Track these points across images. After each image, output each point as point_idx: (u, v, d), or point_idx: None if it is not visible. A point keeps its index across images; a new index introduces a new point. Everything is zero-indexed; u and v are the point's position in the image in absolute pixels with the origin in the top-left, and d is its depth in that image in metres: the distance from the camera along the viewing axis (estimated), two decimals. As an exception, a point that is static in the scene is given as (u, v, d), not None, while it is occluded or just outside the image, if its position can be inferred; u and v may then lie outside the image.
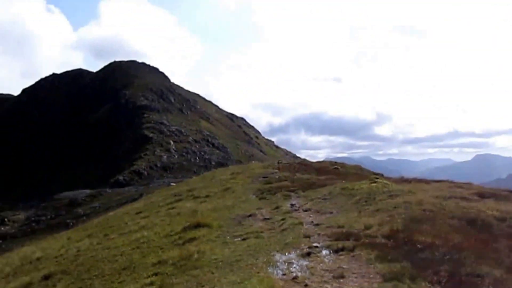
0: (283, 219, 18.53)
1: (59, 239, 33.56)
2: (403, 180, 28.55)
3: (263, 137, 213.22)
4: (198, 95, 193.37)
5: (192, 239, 16.51)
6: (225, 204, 26.19)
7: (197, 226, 18.55)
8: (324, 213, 19.56)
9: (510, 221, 15.99)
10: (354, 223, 16.29)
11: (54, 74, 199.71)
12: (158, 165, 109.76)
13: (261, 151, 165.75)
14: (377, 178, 26.49)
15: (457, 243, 12.72)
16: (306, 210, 20.88)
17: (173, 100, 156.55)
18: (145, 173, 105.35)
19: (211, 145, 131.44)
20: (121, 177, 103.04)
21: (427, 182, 27.72)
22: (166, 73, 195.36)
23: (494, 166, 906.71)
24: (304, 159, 74.07)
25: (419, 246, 12.44)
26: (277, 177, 40.80)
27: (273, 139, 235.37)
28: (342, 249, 13.00)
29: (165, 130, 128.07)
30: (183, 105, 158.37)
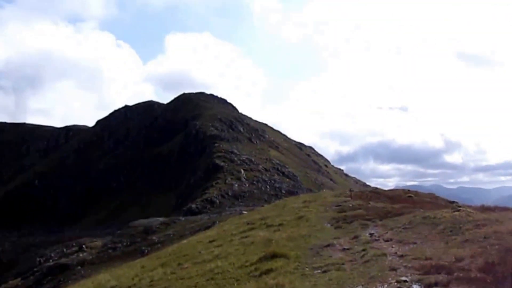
0: (364, 250, 17.25)
1: (133, 267, 33.10)
2: (485, 208, 26.80)
3: (332, 166, 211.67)
4: (266, 125, 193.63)
5: (269, 271, 15.50)
6: (300, 233, 25.02)
7: (273, 256, 17.49)
8: (407, 244, 18.19)
9: None
10: (442, 254, 14.95)
11: (126, 106, 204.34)
12: (230, 194, 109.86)
13: (331, 179, 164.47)
14: (460, 207, 24.90)
15: None
16: (387, 240, 19.48)
17: (242, 130, 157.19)
18: (217, 201, 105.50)
19: (281, 174, 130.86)
20: (193, 205, 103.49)
21: (512, 210, 26.02)
22: (234, 104, 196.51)
23: None
24: (376, 188, 72.28)
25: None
26: (350, 205, 39.46)
27: (342, 167, 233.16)
28: (436, 284, 11.74)
29: (235, 159, 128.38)
30: (252, 134, 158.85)
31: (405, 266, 14.04)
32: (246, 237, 28.89)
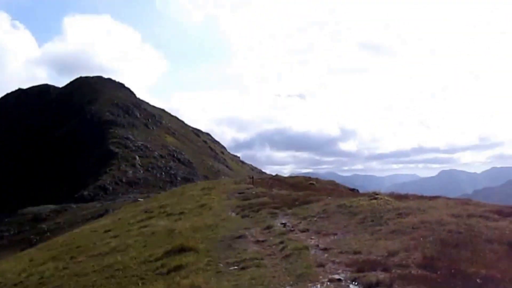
0: (281, 242, 15.38)
1: (20, 260, 30.29)
2: (401, 196, 25.51)
3: (229, 153, 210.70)
4: (163, 110, 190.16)
5: (178, 267, 13.35)
6: (205, 222, 22.99)
7: (181, 250, 15.35)
8: (327, 235, 16.51)
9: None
10: (371, 248, 13.37)
11: (20, 89, 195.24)
12: (124, 180, 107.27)
13: (227, 166, 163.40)
14: (377, 194, 23.52)
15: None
16: (303, 231, 17.76)
17: (138, 115, 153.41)
18: (111, 188, 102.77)
19: (177, 161, 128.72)
20: (86, 192, 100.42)
21: (430, 198, 24.90)
22: (132, 89, 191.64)
23: (459, 182, 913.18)
24: (276, 174, 71.28)
25: (478, 280, 9.61)
26: (254, 192, 37.89)
27: (238, 154, 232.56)
28: (377, 284, 10.01)
29: (130, 145, 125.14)
30: (148, 120, 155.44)
31: (333, 262, 12.35)
32: (145, 226, 26.68)
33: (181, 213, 30.29)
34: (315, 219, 20.32)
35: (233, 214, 26.64)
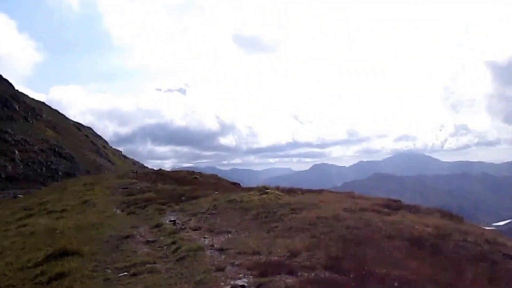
0: (173, 243, 13.89)
1: None
2: (290, 190, 24.69)
3: (111, 147, 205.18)
4: (43, 103, 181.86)
5: (61, 275, 11.49)
6: (89, 221, 21.10)
7: (64, 253, 13.45)
8: (220, 233, 15.27)
9: (449, 238, 12.93)
10: (271, 247, 12.27)
11: None
12: (3, 176, 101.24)
13: (109, 161, 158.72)
14: (267, 189, 22.47)
15: (430, 275, 9.32)
16: (195, 229, 16.37)
17: (17, 108, 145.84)
18: None
19: (58, 155, 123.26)
20: None
21: (316, 191, 24.27)
22: (10, 80, 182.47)
23: (329, 175, 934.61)
24: (160, 169, 69.45)
25: (395, 284, 8.75)
26: (138, 187, 36.21)
27: (120, 148, 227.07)
28: (286, 291, 8.91)
29: (9, 139, 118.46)
30: (28, 113, 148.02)
31: (232, 264, 11.10)
32: (24, 225, 24.36)
33: (63, 210, 28.17)
34: (205, 215, 19.03)
35: (118, 211, 24.95)
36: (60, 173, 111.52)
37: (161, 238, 15.16)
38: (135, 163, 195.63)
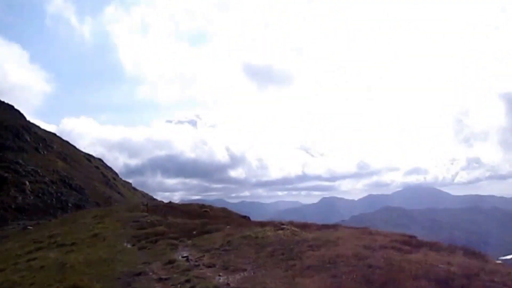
0: (188, 281, 13.49)
1: None
2: (304, 225, 24.25)
3: (121, 179, 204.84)
4: (54, 134, 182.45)
5: None
6: (99, 255, 20.73)
7: (74, 291, 13.19)
8: (235, 271, 14.76)
9: (476, 278, 12.47)
10: (289, 286, 11.85)
11: None
12: (13, 207, 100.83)
13: (119, 193, 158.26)
14: (283, 224, 22.05)
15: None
16: (209, 266, 15.85)
17: (28, 139, 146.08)
18: None
19: (68, 186, 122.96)
20: None
21: (331, 227, 23.84)
22: (21, 111, 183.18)
23: (338, 208, 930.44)
24: (170, 202, 69.20)
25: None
26: (149, 221, 35.79)
27: (130, 180, 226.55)
28: None
29: (20, 170, 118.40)
30: (39, 144, 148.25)
31: (248, 305, 10.74)
32: (33, 259, 24.00)
33: (73, 243, 27.81)
34: (219, 251, 18.49)
35: (129, 245, 24.56)
36: (70, 204, 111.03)
37: (175, 275, 14.69)
38: (144, 195, 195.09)
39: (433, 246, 17.39)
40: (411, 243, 17.87)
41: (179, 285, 13.31)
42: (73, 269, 18.06)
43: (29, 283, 17.07)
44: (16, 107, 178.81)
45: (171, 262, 17.12)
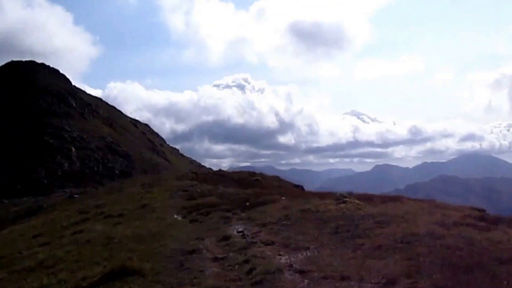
0: (246, 261, 12.48)
1: None
2: (365, 197, 23.03)
3: (168, 145, 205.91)
4: (100, 99, 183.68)
5: None
6: (148, 228, 20.03)
7: (123, 272, 12.26)
8: (297, 250, 13.75)
9: None
10: (360, 271, 10.76)
11: None
12: (59, 174, 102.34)
13: (166, 159, 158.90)
14: (345, 197, 20.82)
15: None
16: (267, 244, 14.84)
17: (74, 104, 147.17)
18: (45, 181, 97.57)
19: (114, 153, 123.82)
20: (18, 186, 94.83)
21: (393, 198, 22.61)
22: (67, 75, 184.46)
23: (392, 177, 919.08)
24: (220, 170, 68.63)
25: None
26: (198, 190, 35.15)
27: (177, 146, 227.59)
28: None
29: (66, 136, 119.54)
30: (85, 109, 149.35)
31: (321, 294, 9.71)
32: (79, 232, 23.52)
33: (120, 215, 27.30)
34: (277, 227, 17.49)
35: (180, 218, 23.85)
36: (116, 171, 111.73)
37: (231, 254, 13.77)
38: (192, 162, 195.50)
39: (511, 222, 16.05)
40: (486, 218, 16.59)
41: (237, 266, 12.36)
42: (121, 244, 17.40)
43: (74, 260, 16.42)
44: (61, 71, 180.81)
45: (226, 238, 16.23)
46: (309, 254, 13.12)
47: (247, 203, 26.72)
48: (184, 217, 23.67)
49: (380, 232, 14.10)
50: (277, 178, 58.65)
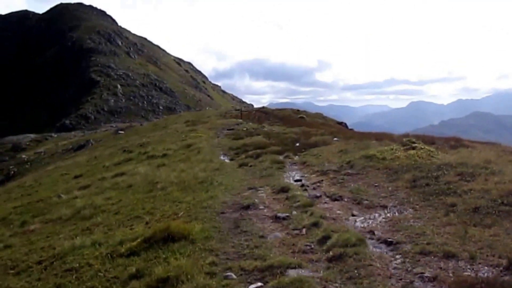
0: (315, 224, 9.79)
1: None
2: (427, 140, 19.66)
3: (210, 82, 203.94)
4: (145, 39, 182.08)
5: (163, 282, 7.84)
6: (194, 173, 17.42)
7: (167, 237, 9.63)
8: (372, 208, 10.98)
9: None
10: (465, 243, 8.03)
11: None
12: (105, 109, 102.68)
13: (208, 96, 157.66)
14: (413, 142, 17.59)
15: None
16: (335, 199, 12.09)
17: (120, 44, 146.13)
18: (92, 117, 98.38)
19: (158, 89, 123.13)
20: (67, 121, 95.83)
21: (455, 140, 19.39)
22: (113, 16, 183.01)
23: (427, 113, 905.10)
24: (264, 107, 66.03)
25: None
26: (244, 129, 32.56)
27: (219, 83, 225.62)
28: None
29: (112, 73, 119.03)
30: (130, 48, 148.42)
31: (421, 279, 6.95)
32: (121, 174, 21.16)
33: (164, 155, 24.90)
34: (341, 176, 14.58)
35: (227, 160, 21.28)
36: (161, 107, 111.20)
37: (294, 212, 10.98)
38: (234, 98, 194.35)
39: None
40: None
41: (304, 230, 9.64)
42: (164, 192, 14.85)
43: (114, 211, 13.98)
44: (108, 12, 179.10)
45: (283, 189, 13.39)
46: (388, 215, 10.35)
47: (297, 144, 24.02)
48: (232, 159, 21.08)
49: (468, 187, 11.18)
50: (320, 115, 55.76)
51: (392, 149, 16.38)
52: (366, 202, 11.48)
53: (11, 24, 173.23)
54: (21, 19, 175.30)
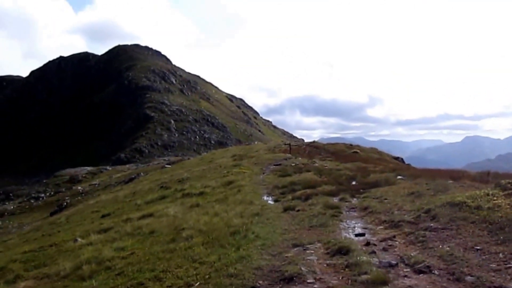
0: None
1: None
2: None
3: (261, 117, 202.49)
4: (198, 76, 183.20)
5: None
6: (228, 219, 13.29)
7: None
8: (481, 288, 6.66)
9: None
10: None
11: (61, 57, 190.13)
12: (159, 143, 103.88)
13: (259, 131, 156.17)
14: (510, 183, 12.74)
15: None
16: (420, 271, 7.71)
17: (174, 81, 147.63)
18: (146, 151, 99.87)
19: (210, 125, 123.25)
20: (122, 155, 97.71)
21: None
22: (168, 56, 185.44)
23: (482, 148, 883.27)
24: (314, 141, 62.04)
25: None
26: (293, 164, 28.50)
27: (270, 119, 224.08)
28: None
29: (166, 109, 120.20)
30: (184, 86, 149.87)
31: None
32: (149, 215, 17.32)
33: (201, 193, 21.07)
34: (419, 230, 10.02)
35: (270, 201, 17.13)
36: (212, 141, 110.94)
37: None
38: (284, 133, 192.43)
39: None
40: None
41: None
42: (186, 245, 10.84)
43: (118, 270, 10.07)
44: (163, 53, 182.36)
45: (342, 250, 8.92)
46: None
47: (354, 182, 19.73)
48: (276, 201, 16.88)
49: None
50: (375, 150, 50.64)
51: (488, 195, 11.57)
52: (470, 278, 7.08)
53: (73, 65, 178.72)
54: (81, 61, 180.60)
